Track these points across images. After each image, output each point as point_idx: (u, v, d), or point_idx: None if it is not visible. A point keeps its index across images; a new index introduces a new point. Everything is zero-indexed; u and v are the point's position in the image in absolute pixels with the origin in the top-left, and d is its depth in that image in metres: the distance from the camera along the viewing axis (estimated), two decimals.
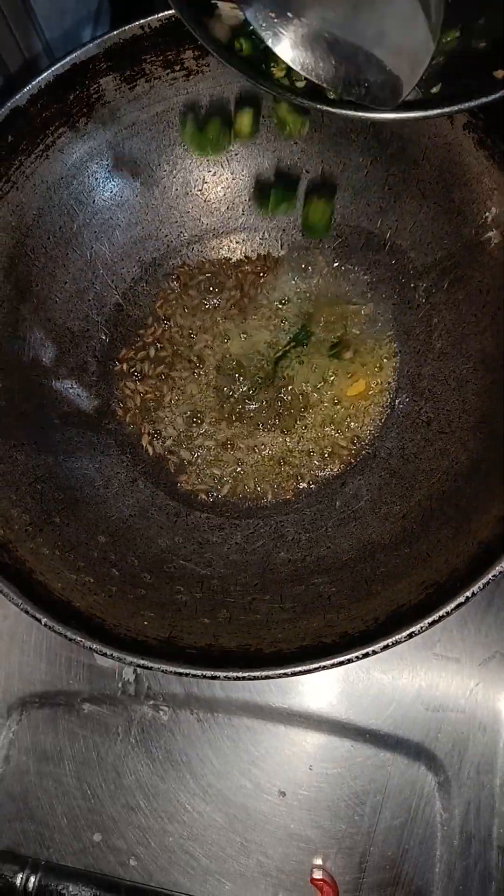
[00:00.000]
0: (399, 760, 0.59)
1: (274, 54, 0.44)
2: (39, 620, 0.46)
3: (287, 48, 0.42)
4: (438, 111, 0.44)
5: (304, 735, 0.60)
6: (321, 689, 0.61)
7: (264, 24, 0.42)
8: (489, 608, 0.61)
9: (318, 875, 0.57)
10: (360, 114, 0.45)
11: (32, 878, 0.58)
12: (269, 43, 0.42)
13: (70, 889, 0.57)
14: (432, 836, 0.58)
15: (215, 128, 0.57)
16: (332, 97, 0.45)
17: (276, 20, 0.42)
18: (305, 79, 0.44)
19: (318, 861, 0.58)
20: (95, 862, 0.60)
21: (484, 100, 0.43)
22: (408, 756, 0.59)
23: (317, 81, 0.43)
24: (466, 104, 0.44)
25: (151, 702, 0.62)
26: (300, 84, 0.46)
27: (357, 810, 0.59)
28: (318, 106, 0.45)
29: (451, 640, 0.61)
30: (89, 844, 0.60)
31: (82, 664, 0.63)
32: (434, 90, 0.45)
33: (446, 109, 0.44)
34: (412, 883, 0.57)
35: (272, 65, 0.47)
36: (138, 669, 0.62)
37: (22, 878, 0.58)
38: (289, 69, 0.46)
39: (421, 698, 0.60)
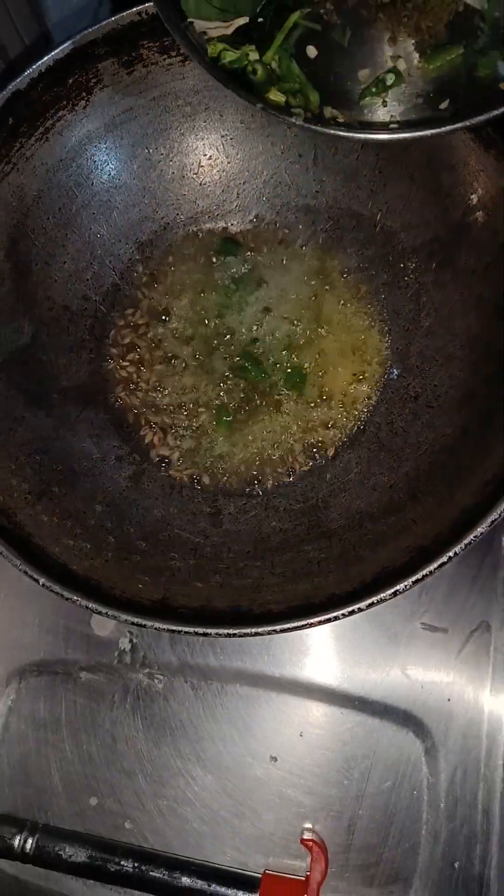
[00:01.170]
0: (387, 727, 0.61)
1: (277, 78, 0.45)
2: (38, 581, 0.48)
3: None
4: (449, 127, 0.45)
5: (295, 702, 0.62)
6: (312, 657, 0.62)
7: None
8: (475, 580, 0.62)
9: (307, 836, 0.59)
10: (366, 135, 0.47)
11: (30, 840, 0.59)
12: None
13: (66, 850, 0.59)
14: (419, 799, 0.60)
15: None
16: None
17: None
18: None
19: (308, 824, 0.60)
20: (91, 825, 0.61)
21: (493, 113, 0.44)
22: (396, 723, 0.61)
23: None
24: (476, 118, 0.45)
25: (147, 670, 0.63)
26: (297, 110, 0.48)
27: (346, 775, 0.60)
28: (324, 130, 0.47)
29: (439, 611, 0.62)
30: (86, 808, 0.62)
31: (80, 634, 0.64)
32: (442, 106, 0.47)
33: (456, 125, 0.45)
34: (399, 845, 0.59)
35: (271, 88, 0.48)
36: (134, 639, 0.64)
37: (20, 840, 0.59)
38: (290, 94, 0.48)
39: (409, 667, 0.62)
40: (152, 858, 0.58)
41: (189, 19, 0.49)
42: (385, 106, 0.48)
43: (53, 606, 0.65)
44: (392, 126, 0.48)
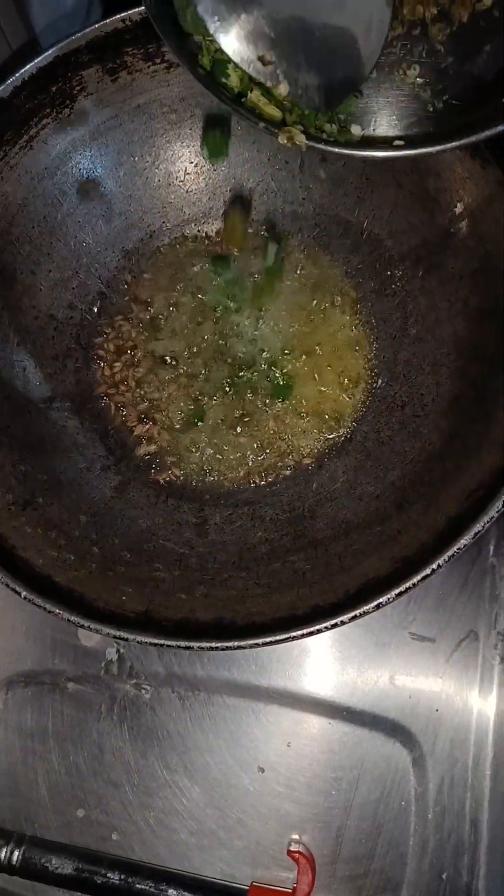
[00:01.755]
0: (375, 737, 0.61)
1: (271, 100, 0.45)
2: (19, 594, 0.47)
3: (232, 40, 0.43)
4: (454, 144, 0.44)
5: (283, 713, 0.62)
6: (300, 668, 0.62)
7: (214, 17, 0.43)
8: (463, 589, 0.62)
9: (294, 848, 0.58)
10: (368, 153, 0.46)
11: (17, 852, 0.59)
12: (215, 33, 0.43)
13: (53, 862, 0.59)
14: (407, 810, 0.59)
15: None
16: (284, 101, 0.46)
17: (225, 11, 0.43)
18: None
19: (296, 835, 0.60)
20: (78, 836, 0.61)
21: (496, 129, 0.44)
22: (383, 733, 0.61)
23: (256, 76, 0.44)
24: (478, 135, 0.44)
25: (134, 681, 0.63)
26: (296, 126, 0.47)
27: (334, 785, 0.60)
28: (330, 148, 0.46)
29: (427, 621, 0.62)
30: (73, 819, 0.61)
31: (67, 645, 0.64)
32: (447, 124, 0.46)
33: (460, 142, 0.44)
34: (387, 856, 0.59)
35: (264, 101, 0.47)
36: (121, 650, 0.63)
37: (6, 852, 0.59)
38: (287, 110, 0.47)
39: (397, 677, 0.61)
40: (138, 870, 0.58)
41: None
42: (388, 120, 0.47)
43: (41, 617, 0.65)
44: (396, 143, 0.47)
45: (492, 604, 0.61)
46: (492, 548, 0.63)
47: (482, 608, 0.61)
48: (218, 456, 0.62)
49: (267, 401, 0.62)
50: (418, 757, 0.59)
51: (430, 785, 0.59)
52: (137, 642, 0.46)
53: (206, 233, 0.66)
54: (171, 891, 0.57)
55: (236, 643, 0.46)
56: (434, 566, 0.45)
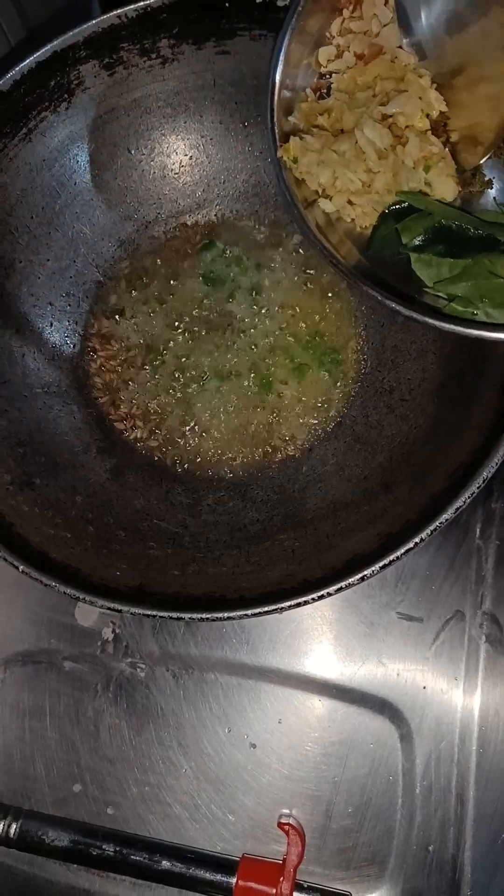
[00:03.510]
0: (364, 714, 0.62)
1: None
2: (17, 567, 0.49)
3: None
4: None
5: (274, 691, 0.63)
6: (291, 647, 0.64)
7: None
8: (450, 571, 0.64)
9: (285, 821, 0.60)
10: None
11: (14, 826, 0.60)
12: None
13: (49, 835, 0.60)
14: (394, 784, 0.61)
15: None
16: None
17: None
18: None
19: (286, 810, 0.61)
20: (75, 811, 0.63)
21: None
22: (372, 710, 0.62)
23: None
24: None
25: (129, 660, 0.64)
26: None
27: (323, 761, 0.62)
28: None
29: (415, 601, 0.64)
30: (69, 794, 0.63)
31: (64, 625, 0.66)
32: None
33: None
34: (375, 829, 0.60)
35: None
36: (117, 629, 0.65)
37: (4, 826, 0.60)
38: None
39: (385, 655, 0.63)
40: (133, 842, 0.60)
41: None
42: None
43: (38, 598, 0.66)
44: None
45: (478, 585, 0.63)
46: (478, 531, 0.64)
47: (468, 589, 0.63)
48: (210, 441, 0.63)
49: (259, 387, 0.64)
50: (406, 733, 0.61)
51: (418, 760, 0.61)
52: (131, 613, 0.48)
53: (201, 223, 0.67)
54: (164, 862, 0.58)
55: (226, 614, 0.47)
56: (417, 540, 0.46)
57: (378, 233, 0.50)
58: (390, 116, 0.49)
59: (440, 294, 0.47)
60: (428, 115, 0.49)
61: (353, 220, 0.51)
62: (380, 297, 0.47)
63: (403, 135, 0.48)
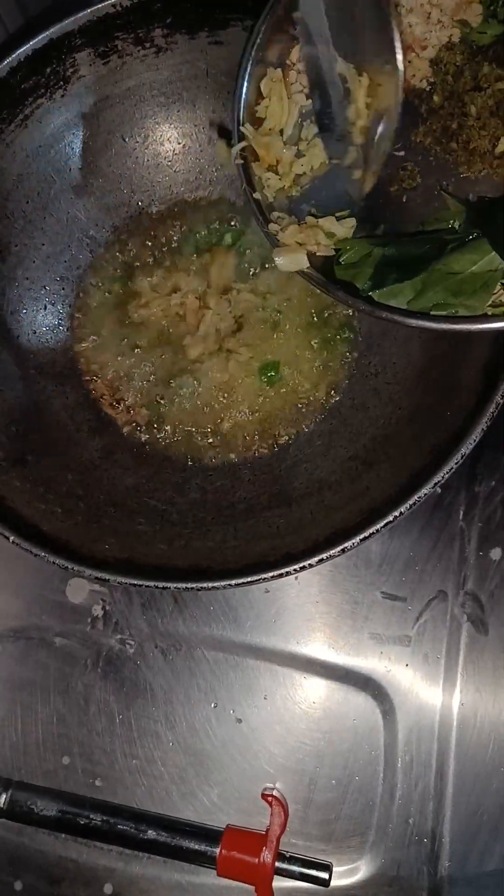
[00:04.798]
0: (347, 690, 0.64)
1: None
2: (7, 538, 0.50)
3: None
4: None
5: (261, 667, 0.65)
6: (277, 624, 0.65)
7: None
8: (433, 552, 0.65)
9: (268, 792, 0.61)
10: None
11: (4, 796, 0.62)
12: None
13: (38, 804, 0.62)
14: (376, 759, 0.62)
15: None
16: None
17: None
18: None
19: (270, 783, 0.63)
20: (64, 783, 0.64)
21: None
22: (356, 686, 0.64)
23: None
24: None
25: (118, 636, 0.66)
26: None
27: (308, 735, 0.63)
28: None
29: (399, 582, 0.65)
30: (58, 766, 0.64)
31: (55, 602, 0.67)
32: None
33: None
34: (357, 802, 0.62)
35: None
36: (107, 606, 0.66)
37: None
38: None
39: (369, 634, 0.64)
40: (119, 812, 0.61)
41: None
42: None
43: (30, 575, 0.68)
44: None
45: (460, 565, 0.64)
46: (461, 513, 0.66)
47: (451, 569, 0.64)
48: (200, 424, 0.65)
49: (250, 370, 0.65)
50: (388, 709, 0.62)
51: (399, 736, 0.62)
52: (118, 583, 0.49)
53: (194, 209, 0.68)
54: (150, 831, 0.60)
55: (211, 584, 0.49)
56: (396, 514, 0.48)
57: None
58: None
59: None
60: None
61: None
62: (350, 303, 0.50)
63: None
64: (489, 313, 0.46)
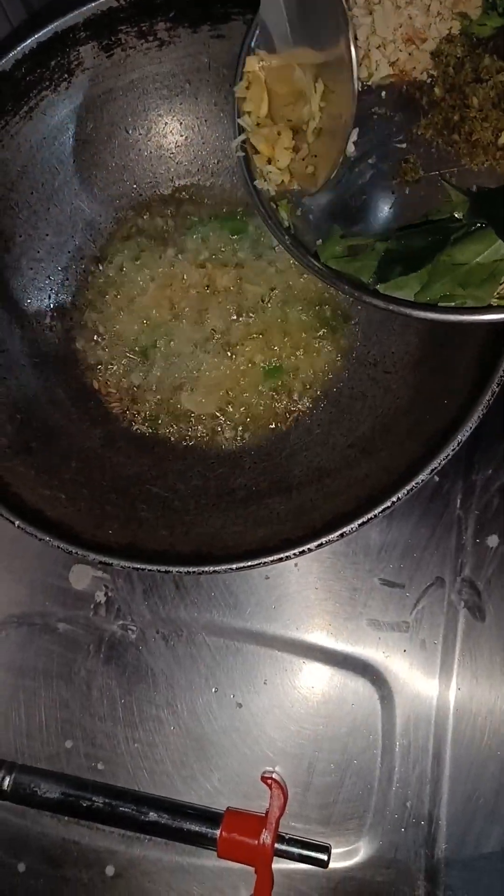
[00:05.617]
0: (346, 675, 0.65)
1: None
2: (13, 523, 0.51)
3: None
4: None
5: (261, 652, 0.66)
6: (277, 610, 0.66)
7: None
8: (431, 540, 0.66)
9: (268, 775, 0.62)
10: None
11: (7, 779, 0.63)
12: None
13: (41, 787, 0.63)
14: (374, 743, 0.63)
15: None
16: None
17: None
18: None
19: (270, 767, 0.63)
20: (66, 766, 0.65)
21: None
22: (354, 672, 0.64)
23: None
24: None
25: (121, 622, 0.67)
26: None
27: (307, 720, 0.64)
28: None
29: (397, 568, 0.66)
30: (61, 750, 0.65)
31: (58, 588, 0.68)
32: None
33: None
34: (355, 785, 0.63)
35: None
36: (110, 592, 0.67)
37: None
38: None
39: (367, 620, 0.65)
40: (121, 795, 0.62)
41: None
42: None
43: (33, 561, 0.69)
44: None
45: (458, 553, 0.65)
46: (458, 501, 0.66)
47: (448, 557, 0.65)
48: (200, 413, 0.66)
49: (250, 361, 0.66)
50: (386, 694, 0.63)
51: (397, 720, 0.63)
52: (121, 567, 0.50)
53: (196, 201, 0.69)
54: (151, 813, 0.61)
55: (212, 568, 0.50)
56: (394, 499, 0.49)
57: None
58: None
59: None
60: None
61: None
62: (356, 295, 0.50)
63: None
64: (494, 304, 0.46)
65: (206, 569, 0.50)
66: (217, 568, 0.49)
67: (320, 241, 0.54)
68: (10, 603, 0.68)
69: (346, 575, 0.66)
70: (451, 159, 0.52)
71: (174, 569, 0.50)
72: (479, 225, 0.48)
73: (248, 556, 0.50)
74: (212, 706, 0.65)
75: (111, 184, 0.68)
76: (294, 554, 0.49)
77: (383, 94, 0.53)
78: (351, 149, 0.53)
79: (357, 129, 0.53)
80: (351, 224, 0.54)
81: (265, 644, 0.66)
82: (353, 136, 0.53)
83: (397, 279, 0.49)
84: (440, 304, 0.48)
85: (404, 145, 0.53)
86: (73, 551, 0.50)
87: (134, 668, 0.66)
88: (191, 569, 0.50)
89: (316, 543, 0.49)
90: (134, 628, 0.67)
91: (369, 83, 0.53)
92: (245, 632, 0.66)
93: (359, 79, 0.51)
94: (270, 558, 0.49)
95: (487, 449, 0.67)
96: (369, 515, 0.49)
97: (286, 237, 0.55)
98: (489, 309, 0.46)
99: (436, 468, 0.49)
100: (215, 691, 0.65)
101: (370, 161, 0.54)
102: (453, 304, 0.47)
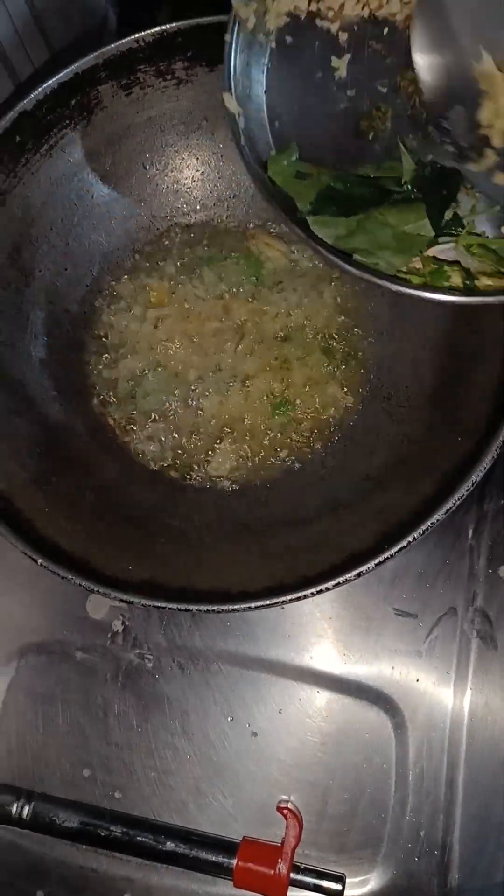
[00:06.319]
0: (360, 704, 0.65)
1: None
2: (36, 561, 0.52)
3: None
4: None
5: (275, 681, 0.66)
6: (291, 639, 0.67)
7: None
8: (443, 569, 0.67)
9: (283, 805, 0.63)
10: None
11: (27, 808, 0.64)
12: None
13: (60, 816, 0.63)
14: (388, 772, 0.64)
15: None
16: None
17: None
18: None
19: (285, 795, 0.64)
20: (84, 794, 0.66)
21: None
22: (368, 700, 0.65)
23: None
24: None
25: (137, 651, 0.68)
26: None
27: (321, 749, 0.65)
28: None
29: (410, 598, 0.67)
30: (79, 778, 0.66)
31: (76, 617, 0.69)
32: None
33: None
34: (369, 814, 0.63)
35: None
36: (126, 622, 0.68)
37: (17, 807, 0.64)
38: None
39: (381, 649, 0.66)
40: (139, 824, 0.63)
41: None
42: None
43: (52, 591, 0.70)
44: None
45: (470, 582, 0.66)
46: (471, 531, 0.67)
47: (461, 586, 0.66)
48: (214, 446, 0.66)
49: (264, 394, 0.67)
50: (399, 723, 0.64)
51: (410, 749, 0.64)
52: (143, 605, 0.51)
53: (213, 234, 0.70)
54: (168, 843, 0.62)
55: (231, 606, 0.50)
56: (410, 539, 0.50)
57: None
58: None
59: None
60: None
61: None
62: (283, 222, 0.49)
63: None
64: (402, 276, 0.47)
65: (226, 607, 0.50)
66: (236, 606, 0.50)
67: (274, 151, 0.53)
68: (29, 631, 0.69)
69: (359, 604, 0.67)
70: (421, 123, 0.51)
71: (194, 607, 0.50)
72: (417, 196, 0.49)
73: (266, 593, 0.51)
74: (227, 734, 0.66)
75: (129, 218, 0.69)
76: (312, 593, 0.50)
77: (385, 30, 0.51)
78: (343, 72, 0.52)
79: (349, 55, 0.52)
80: (310, 148, 0.53)
81: (280, 673, 0.66)
82: (347, 59, 0.52)
83: (328, 217, 0.49)
84: (354, 257, 0.47)
85: (385, 91, 0.52)
86: (95, 589, 0.51)
87: (150, 697, 0.67)
88: (210, 607, 0.50)
89: (333, 582, 0.50)
90: (150, 657, 0.67)
91: (377, 14, 0.51)
92: (260, 661, 0.67)
93: (368, 6, 0.50)
94: (288, 597, 0.50)
95: (500, 479, 0.68)
96: (386, 555, 0.50)
97: (242, 138, 0.53)
98: (400, 281, 0.46)
99: (450, 508, 0.50)
100: (231, 720, 0.66)
101: (348, 92, 0.53)
102: (365, 260, 0.47)
